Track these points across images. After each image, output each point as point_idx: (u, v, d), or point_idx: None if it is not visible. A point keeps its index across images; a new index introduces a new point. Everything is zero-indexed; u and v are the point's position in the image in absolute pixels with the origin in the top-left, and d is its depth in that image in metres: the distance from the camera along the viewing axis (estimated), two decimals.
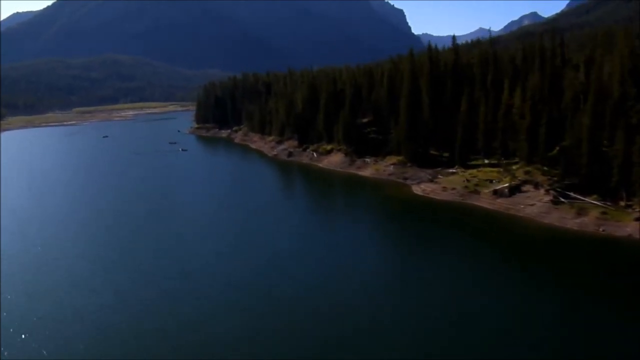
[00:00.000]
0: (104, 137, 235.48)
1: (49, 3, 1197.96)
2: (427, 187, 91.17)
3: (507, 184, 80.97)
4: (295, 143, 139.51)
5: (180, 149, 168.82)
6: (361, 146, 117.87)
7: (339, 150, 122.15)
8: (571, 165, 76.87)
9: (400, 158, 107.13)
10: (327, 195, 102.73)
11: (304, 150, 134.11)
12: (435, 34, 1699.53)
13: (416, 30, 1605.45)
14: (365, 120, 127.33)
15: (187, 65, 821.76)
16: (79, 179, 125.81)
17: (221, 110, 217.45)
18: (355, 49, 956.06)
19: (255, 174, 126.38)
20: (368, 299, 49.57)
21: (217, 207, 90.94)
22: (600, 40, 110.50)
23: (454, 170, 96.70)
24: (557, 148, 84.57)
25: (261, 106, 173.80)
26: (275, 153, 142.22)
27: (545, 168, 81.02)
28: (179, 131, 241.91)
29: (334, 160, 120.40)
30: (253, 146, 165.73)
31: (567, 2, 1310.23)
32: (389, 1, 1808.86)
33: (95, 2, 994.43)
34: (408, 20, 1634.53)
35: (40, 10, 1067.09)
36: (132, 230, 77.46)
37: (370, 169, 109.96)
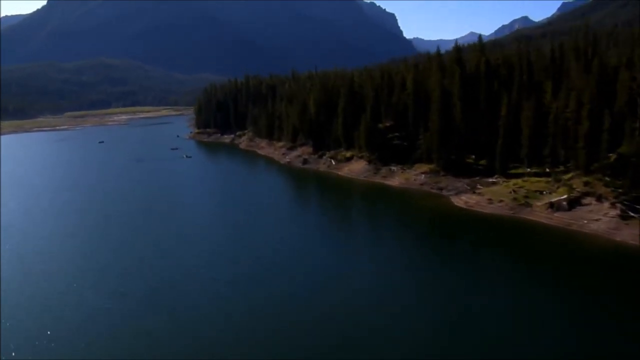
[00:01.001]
0: (99, 142, 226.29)
1: (39, 6, 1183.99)
2: (470, 198, 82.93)
3: (565, 196, 72.94)
4: (310, 149, 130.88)
5: (184, 156, 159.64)
6: (385, 153, 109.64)
7: (361, 157, 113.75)
8: (639, 175, 69.14)
9: (431, 166, 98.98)
10: (356, 207, 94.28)
11: (320, 157, 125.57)
12: (426, 38, 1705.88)
13: (407, 34, 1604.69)
14: (385, 125, 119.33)
15: (180, 69, 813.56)
16: (81, 188, 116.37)
17: (223, 115, 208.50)
18: (348, 52, 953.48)
19: (270, 182, 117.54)
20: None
21: (236, 221, 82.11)
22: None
23: (494, 180, 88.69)
24: (613, 156, 77.20)
25: (268, 110, 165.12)
26: (288, 160, 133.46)
27: (607, 178, 73.11)
28: (178, 136, 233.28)
29: (356, 168, 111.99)
30: (261, 152, 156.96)
31: (558, 6, 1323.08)
32: (381, 5, 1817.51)
33: (86, 5, 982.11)
34: (399, 24, 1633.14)
35: (30, 14, 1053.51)
36: (141, 242, 68.97)
37: (398, 177, 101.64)
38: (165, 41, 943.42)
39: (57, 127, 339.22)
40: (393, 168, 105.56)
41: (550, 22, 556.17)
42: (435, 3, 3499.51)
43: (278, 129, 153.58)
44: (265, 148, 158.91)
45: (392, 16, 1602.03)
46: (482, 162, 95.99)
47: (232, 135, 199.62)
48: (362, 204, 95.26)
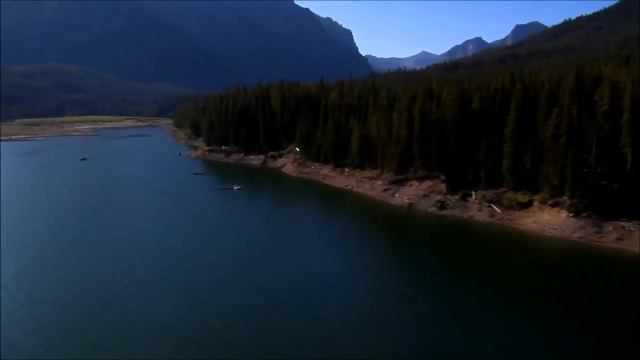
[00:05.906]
0: (81, 159, 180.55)
1: None
2: None
3: None
4: (440, 186, 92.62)
5: (234, 188, 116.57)
6: (597, 200, 73.19)
7: (553, 204, 76.48)
8: None
9: None
10: None
11: (463, 199, 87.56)
12: (378, 55, 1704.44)
13: (362, 51, 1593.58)
14: None
15: (135, 77, 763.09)
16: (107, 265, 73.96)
17: (248, 129, 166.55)
18: (305, 66, 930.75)
19: (419, 247, 77.71)
20: None
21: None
22: None
23: None
24: None
25: (339, 126, 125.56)
26: (407, 201, 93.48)
27: None
28: (180, 154, 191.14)
29: (551, 222, 74.33)
30: (331, 183, 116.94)
31: (512, 28, 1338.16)
32: (338, 21, 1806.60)
33: (35, 6, 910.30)
34: (355, 41, 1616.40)
35: None
36: None
37: None
38: (118, 48, 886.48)
39: (14, 137, 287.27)
40: (625, 225, 68.98)
41: (523, 43, 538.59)
42: (387, 21, 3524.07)
43: (361, 152, 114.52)
44: (334, 177, 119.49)
45: (348, 32, 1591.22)
46: None
47: (262, 156, 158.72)
48: None
